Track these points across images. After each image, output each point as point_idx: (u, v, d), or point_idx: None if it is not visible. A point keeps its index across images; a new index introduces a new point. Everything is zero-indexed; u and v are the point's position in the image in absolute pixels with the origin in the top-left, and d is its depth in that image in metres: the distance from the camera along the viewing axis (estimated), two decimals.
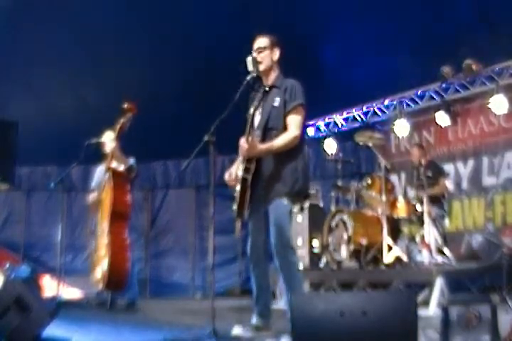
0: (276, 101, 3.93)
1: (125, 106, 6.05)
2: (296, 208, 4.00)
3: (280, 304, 4.08)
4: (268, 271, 4.08)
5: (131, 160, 6.25)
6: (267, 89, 4.07)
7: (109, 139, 6.30)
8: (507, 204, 7.37)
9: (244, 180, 3.85)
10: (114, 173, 6.04)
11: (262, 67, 4.01)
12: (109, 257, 5.70)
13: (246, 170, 3.85)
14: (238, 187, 3.92)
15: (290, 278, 3.86)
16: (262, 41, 4.05)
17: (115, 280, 5.76)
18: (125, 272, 5.84)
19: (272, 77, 4.07)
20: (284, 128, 3.91)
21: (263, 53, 4.01)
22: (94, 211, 6.30)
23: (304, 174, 3.97)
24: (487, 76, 7.38)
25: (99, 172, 6.51)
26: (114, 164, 6.16)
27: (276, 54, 4.07)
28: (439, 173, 6.94)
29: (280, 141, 3.84)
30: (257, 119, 4.06)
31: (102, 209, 6.06)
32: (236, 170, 4.05)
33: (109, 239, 5.80)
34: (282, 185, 3.86)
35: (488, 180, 7.71)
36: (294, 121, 3.89)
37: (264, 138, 3.90)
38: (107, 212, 5.92)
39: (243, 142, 3.83)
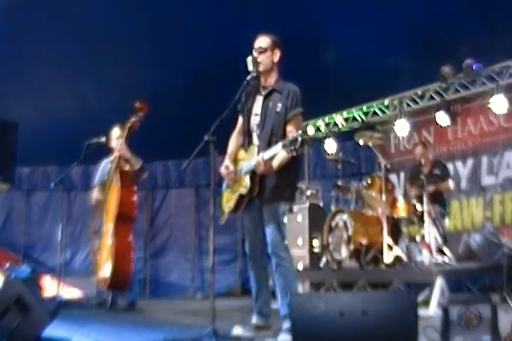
0: (279, 107, 3.94)
1: (137, 104, 5.98)
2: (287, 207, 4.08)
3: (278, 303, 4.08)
4: (267, 269, 4.10)
5: (141, 162, 6.23)
6: (266, 91, 4.05)
7: (115, 135, 6.26)
8: (505, 204, 7.38)
9: (250, 191, 3.90)
10: (122, 173, 5.99)
11: (261, 68, 3.99)
12: (113, 259, 5.69)
13: (252, 181, 3.89)
14: (238, 190, 3.96)
15: (285, 275, 3.89)
16: (263, 41, 4.02)
17: (118, 281, 5.75)
18: (128, 273, 5.84)
19: (271, 80, 4.06)
20: (283, 135, 3.91)
21: (263, 54, 3.99)
22: (98, 211, 6.27)
23: (296, 179, 4.17)
24: (487, 76, 7.38)
25: (103, 167, 6.48)
26: (121, 163, 6.13)
27: (277, 55, 4.04)
28: (447, 173, 6.99)
29: (285, 154, 3.82)
30: (255, 120, 4.06)
31: (108, 210, 6.02)
32: (230, 165, 4.07)
33: (113, 240, 5.78)
34: (281, 191, 3.93)
35: (487, 180, 7.72)
36: (293, 130, 3.89)
37: (268, 144, 3.91)
38: (112, 212, 5.89)
39: (260, 162, 3.78)
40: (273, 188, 3.93)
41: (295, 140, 3.53)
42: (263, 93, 4.07)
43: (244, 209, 4.02)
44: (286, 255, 3.91)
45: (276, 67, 4.08)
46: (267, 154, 3.81)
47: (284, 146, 3.60)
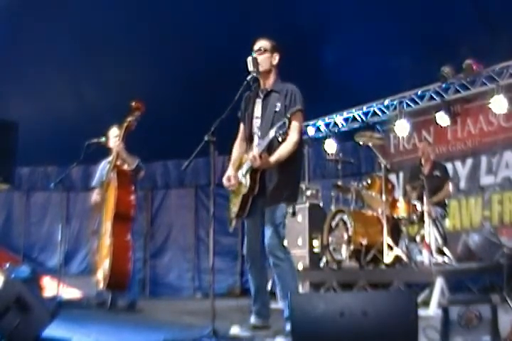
0: (278, 107, 3.95)
1: (133, 104, 5.98)
2: (289, 209, 4.05)
3: (280, 304, 4.09)
4: (265, 270, 4.11)
5: (137, 160, 6.23)
6: (264, 93, 4.07)
7: (113, 135, 6.26)
8: (504, 204, 7.38)
9: (251, 189, 3.88)
10: (120, 172, 5.99)
11: (261, 68, 4.01)
12: (112, 258, 5.69)
13: (252, 179, 3.88)
14: (241, 192, 3.95)
15: (283, 276, 3.90)
16: (263, 43, 4.07)
17: (117, 280, 5.76)
18: (127, 273, 5.84)
19: (270, 81, 4.08)
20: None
21: (263, 55, 4.03)
22: (97, 210, 6.28)
23: (298, 178, 4.09)
24: (487, 76, 7.39)
25: (102, 168, 6.48)
26: (118, 162, 6.13)
27: (276, 59, 4.07)
28: (446, 175, 6.96)
29: (285, 149, 3.86)
30: (256, 123, 4.08)
31: (106, 209, 6.03)
32: (233, 174, 4.06)
33: (111, 239, 5.79)
34: (281, 191, 3.92)
35: (486, 179, 7.73)
36: (294, 127, 3.89)
37: (269, 145, 3.88)
38: (110, 212, 5.90)
39: (255, 156, 3.78)
40: (275, 186, 3.92)
41: (283, 124, 3.61)
42: (262, 95, 4.10)
43: (248, 213, 4.00)
44: (283, 256, 3.89)
45: (275, 70, 4.10)
46: (260, 146, 3.84)
47: (275, 132, 3.65)
